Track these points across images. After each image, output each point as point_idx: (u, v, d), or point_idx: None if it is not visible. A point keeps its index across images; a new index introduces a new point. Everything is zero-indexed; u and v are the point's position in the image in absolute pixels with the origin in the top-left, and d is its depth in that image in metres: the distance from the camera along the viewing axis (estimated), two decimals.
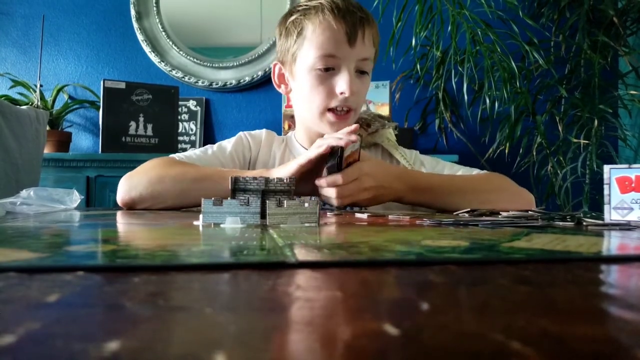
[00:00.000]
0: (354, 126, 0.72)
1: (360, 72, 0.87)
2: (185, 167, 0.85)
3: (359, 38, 0.83)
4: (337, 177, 0.72)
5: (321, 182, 0.74)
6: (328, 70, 0.85)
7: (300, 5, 0.88)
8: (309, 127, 0.94)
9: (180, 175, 0.82)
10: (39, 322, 0.13)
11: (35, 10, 2.17)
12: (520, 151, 1.88)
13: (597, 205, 1.81)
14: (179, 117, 2.07)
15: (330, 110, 0.87)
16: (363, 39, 0.84)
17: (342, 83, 0.84)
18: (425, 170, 0.96)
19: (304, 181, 0.75)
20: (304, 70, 0.86)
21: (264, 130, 1.00)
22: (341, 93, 0.84)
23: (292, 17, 0.87)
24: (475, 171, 0.95)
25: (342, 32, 0.82)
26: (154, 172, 0.83)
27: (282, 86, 0.96)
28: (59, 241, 0.33)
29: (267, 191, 0.52)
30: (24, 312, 0.15)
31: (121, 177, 0.85)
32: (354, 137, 0.69)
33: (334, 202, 0.73)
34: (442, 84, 1.98)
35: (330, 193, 0.73)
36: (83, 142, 2.16)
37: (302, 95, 0.89)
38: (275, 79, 0.96)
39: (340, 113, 0.87)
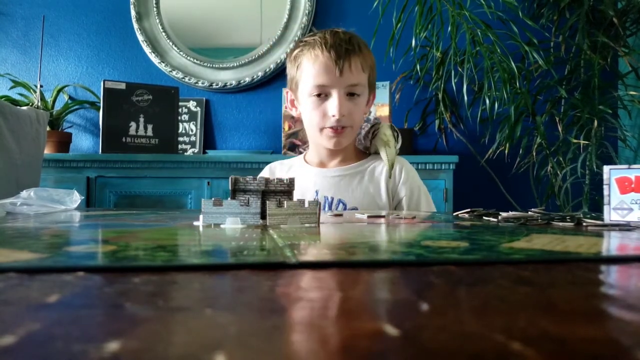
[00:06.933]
0: None
1: (352, 94, 0.99)
2: None
3: (345, 68, 0.96)
4: None
5: None
6: (321, 96, 0.98)
7: (301, 41, 1.03)
8: (316, 143, 1.06)
9: None
10: (39, 322, 0.13)
11: (35, 10, 2.17)
12: (520, 152, 1.87)
13: (597, 205, 1.81)
14: (179, 118, 2.06)
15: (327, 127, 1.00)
16: (350, 68, 0.96)
17: (332, 107, 0.97)
18: (403, 187, 1.03)
19: None
20: (304, 96, 1.00)
21: (266, 168, 1.15)
22: (333, 115, 0.97)
23: (295, 52, 1.03)
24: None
25: (331, 63, 0.95)
26: None
27: (294, 109, 1.10)
28: (59, 242, 0.33)
29: (267, 192, 0.52)
30: (24, 312, 0.15)
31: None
32: None
33: None
34: (442, 85, 1.98)
35: None
36: (83, 142, 2.15)
37: (306, 116, 1.03)
38: (287, 104, 1.12)
39: (337, 128, 0.99)
